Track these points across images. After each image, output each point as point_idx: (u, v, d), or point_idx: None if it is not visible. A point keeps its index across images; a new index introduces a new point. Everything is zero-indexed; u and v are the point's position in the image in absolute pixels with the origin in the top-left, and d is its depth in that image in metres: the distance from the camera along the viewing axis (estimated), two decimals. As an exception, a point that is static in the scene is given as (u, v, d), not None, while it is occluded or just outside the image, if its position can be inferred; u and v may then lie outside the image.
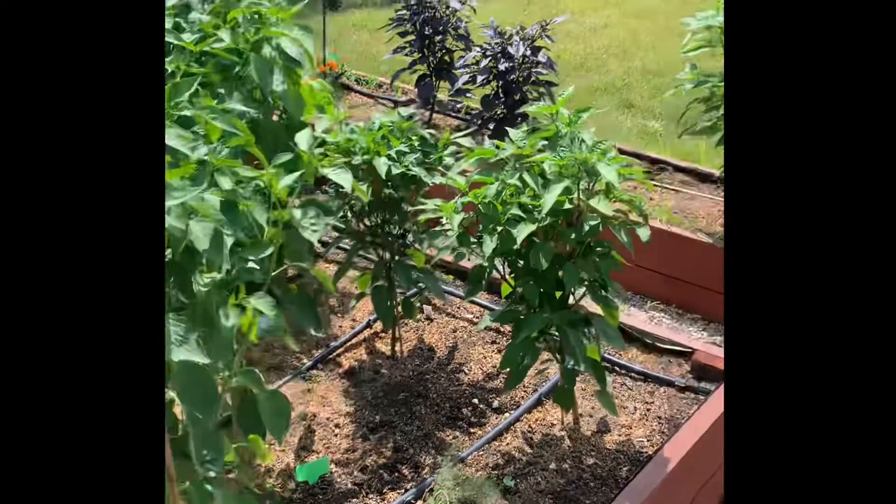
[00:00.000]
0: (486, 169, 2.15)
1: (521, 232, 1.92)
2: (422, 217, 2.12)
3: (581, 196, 1.97)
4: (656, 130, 5.07)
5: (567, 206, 1.97)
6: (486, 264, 2.00)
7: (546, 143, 2.08)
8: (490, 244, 1.96)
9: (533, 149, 2.09)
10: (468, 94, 4.41)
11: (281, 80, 2.06)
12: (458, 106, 4.67)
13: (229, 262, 1.34)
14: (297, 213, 1.60)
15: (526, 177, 2.00)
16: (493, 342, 2.60)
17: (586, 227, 1.96)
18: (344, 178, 1.79)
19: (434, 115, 4.60)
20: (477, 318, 2.73)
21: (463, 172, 2.19)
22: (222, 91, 1.96)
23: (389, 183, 2.28)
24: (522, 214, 1.97)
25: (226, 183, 1.49)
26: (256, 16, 2.10)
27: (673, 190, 3.74)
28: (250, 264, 1.44)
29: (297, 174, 1.58)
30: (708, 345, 3.01)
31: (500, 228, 1.97)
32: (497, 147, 2.12)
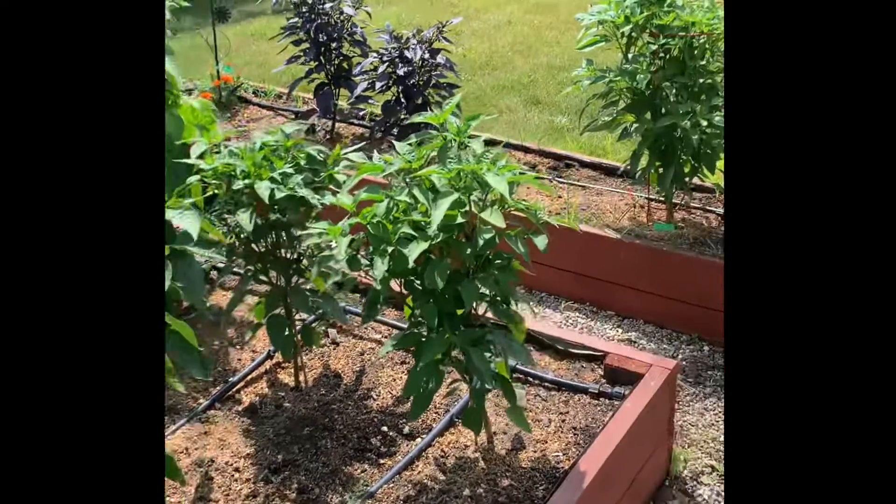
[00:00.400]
0: (391, 182, 2.04)
1: (413, 251, 1.82)
2: (309, 242, 1.99)
3: (474, 209, 1.88)
4: (564, 126, 5.05)
5: (460, 219, 1.87)
6: (379, 287, 1.89)
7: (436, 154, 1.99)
8: (381, 266, 1.84)
9: (422, 161, 1.99)
10: (370, 101, 4.29)
11: (141, 106, 1.89)
12: (362, 113, 4.55)
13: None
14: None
15: (416, 192, 1.90)
16: (403, 362, 2.49)
17: (481, 241, 1.87)
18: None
19: (337, 124, 4.47)
20: (385, 337, 2.62)
21: (359, 186, 2.07)
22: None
23: (276, 207, 2.15)
24: (414, 233, 1.86)
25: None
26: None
27: (580, 186, 3.70)
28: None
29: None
30: (620, 344, 2.97)
31: (391, 249, 1.86)
32: (385, 162, 2.02)
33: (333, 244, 1.96)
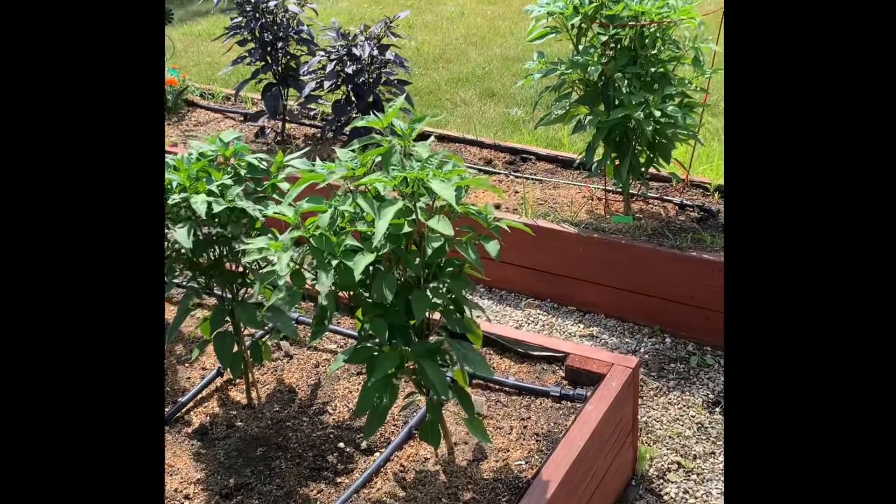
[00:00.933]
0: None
1: (359, 264, 1.74)
2: (247, 258, 1.90)
3: (422, 216, 1.81)
4: (520, 118, 4.99)
5: (407, 228, 1.80)
6: (325, 303, 1.81)
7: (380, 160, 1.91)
8: (327, 281, 1.76)
9: (366, 168, 1.91)
10: (320, 101, 4.19)
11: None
12: (314, 113, 4.44)
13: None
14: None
15: (360, 201, 1.82)
16: (360, 373, 2.41)
17: (430, 250, 1.80)
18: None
19: (287, 125, 4.35)
20: (341, 347, 2.54)
21: (305, 195, 1.98)
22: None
23: (216, 220, 2.05)
24: (359, 244, 1.78)
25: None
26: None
27: (537, 180, 3.65)
28: None
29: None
30: (582, 343, 2.93)
31: (335, 262, 1.78)
32: (327, 170, 1.93)
33: (275, 259, 1.87)
